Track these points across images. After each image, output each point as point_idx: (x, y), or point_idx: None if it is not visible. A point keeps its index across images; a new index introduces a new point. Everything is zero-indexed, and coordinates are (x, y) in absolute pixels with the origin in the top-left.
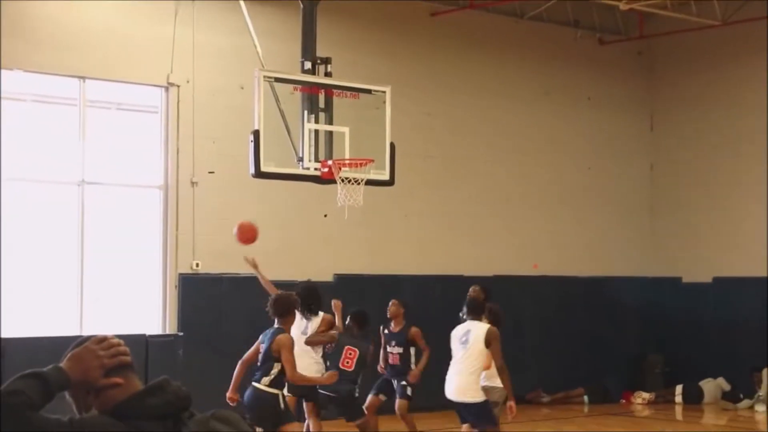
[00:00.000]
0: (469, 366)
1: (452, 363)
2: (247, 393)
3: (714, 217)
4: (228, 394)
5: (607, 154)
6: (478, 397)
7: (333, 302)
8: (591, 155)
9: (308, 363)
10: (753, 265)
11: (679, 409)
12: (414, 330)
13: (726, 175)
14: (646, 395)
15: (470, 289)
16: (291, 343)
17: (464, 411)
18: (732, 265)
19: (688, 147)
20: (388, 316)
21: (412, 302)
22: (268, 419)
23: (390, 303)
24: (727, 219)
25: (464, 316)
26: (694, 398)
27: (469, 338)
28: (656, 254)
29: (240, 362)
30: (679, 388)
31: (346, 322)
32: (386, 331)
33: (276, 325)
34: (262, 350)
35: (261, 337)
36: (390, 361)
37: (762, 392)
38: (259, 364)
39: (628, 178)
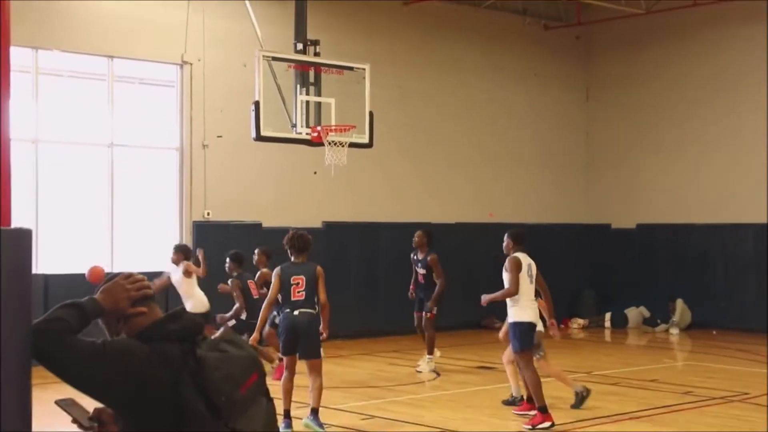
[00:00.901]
0: None
1: (531, 291)
2: (301, 319)
3: (637, 174)
4: (255, 336)
5: (550, 122)
6: None
7: (198, 250)
8: (537, 122)
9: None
10: (670, 213)
11: (608, 333)
12: (431, 257)
13: (648, 139)
14: (581, 321)
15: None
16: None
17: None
18: (653, 213)
19: (618, 115)
20: (414, 245)
21: (388, 246)
22: (316, 345)
23: (415, 234)
24: (648, 176)
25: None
26: (620, 323)
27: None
28: (590, 205)
29: (266, 305)
30: (608, 315)
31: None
32: (414, 257)
33: (294, 260)
34: (299, 282)
35: (281, 274)
36: (419, 280)
37: (675, 318)
38: (301, 292)
39: (567, 142)
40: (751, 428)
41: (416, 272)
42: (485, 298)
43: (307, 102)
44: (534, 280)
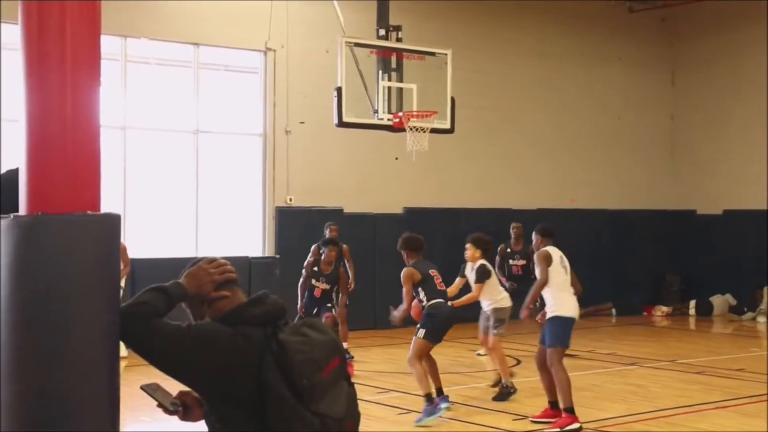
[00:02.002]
0: None
1: (567, 283)
2: (446, 310)
3: (724, 159)
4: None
5: (635, 106)
6: None
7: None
8: (620, 107)
9: None
10: (758, 199)
11: (692, 321)
12: (530, 248)
13: (736, 123)
14: (664, 309)
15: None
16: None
17: None
18: (740, 199)
19: (704, 99)
20: (513, 237)
21: (470, 231)
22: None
23: (512, 225)
24: (735, 161)
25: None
26: (705, 311)
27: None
28: (675, 190)
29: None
30: (692, 303)
31: None
32: (508, 250)
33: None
34: (436, 274)
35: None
36: (514, 271)
37: (763, 306)
38: (441, 283)
39: (652, 127)
40: None
41: (509, 264)
42: (524, 312)
43: (389, 88)
44: (569, 272)
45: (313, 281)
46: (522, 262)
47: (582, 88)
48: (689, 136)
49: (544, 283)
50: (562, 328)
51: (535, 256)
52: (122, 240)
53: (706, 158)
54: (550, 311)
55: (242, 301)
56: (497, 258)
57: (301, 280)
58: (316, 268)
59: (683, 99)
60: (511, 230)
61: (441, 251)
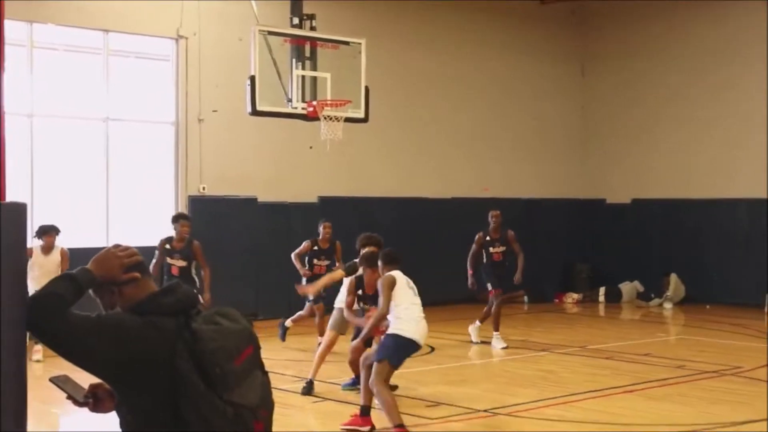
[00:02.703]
0: None
1: (414, 307)
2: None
3: (633, 148)
4: None
5: (546, 97)
6: None
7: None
8: (532, 97)
9: None
10: (665, 189)
11: (601, 307)
12: (510, 233)
13: (644, 113)
14: (575, 296)
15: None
16: None
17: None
18: (647, 188)
19: (614, 90)
20: (492, 225)
21: (382, 221)
22: None
23: (492, 213)
24: (642, 151)
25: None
26: (614, 298)
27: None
28: (585, 180)
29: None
30: (602, 290)
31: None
32: (488, 238)
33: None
34: None
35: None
36: (494, 258)
37: (669, 292)
38: None
39: (563, 117)
40: (745, 401)
41: (488, 251)
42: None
43: (303, 76)
44: (417, 295)
45: (168, 259)
46: (502, 248)
47: (495, 79)
48: (599, 126)
49: (386, 313)
50: (396, 346)
51: (378, 283)
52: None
53: (616, 148)
54: (391, 328)
55: (153, 290)
56: (474, 246)
57: (155, 259)
58: (168, 246)
59: (592, 90)
60: (490, 218)
61: (355, 240)
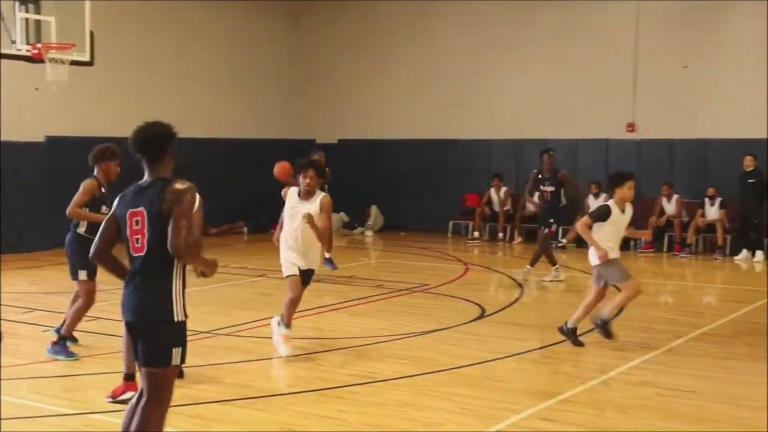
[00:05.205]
0: None
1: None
2: None
3: (339, 94)
4: None
5: (262, 44)
6: None
7: None
8: (246, 45)
9: None
10: (366, 129)
11: None
12: (561, 174)
13: (349, 62)
14: None
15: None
16: None
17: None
18: (352, 130)
19: (324, 38)
20: (545, 164)
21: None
22: None
23: (547, 152)
24: (349, 95)
25: None
26: None
27: None
28: (298, 122)
29: None
30: None
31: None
32: (540, 176)
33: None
34: None
35: None
36: (545, 197)
37: (370, 222)
38: None
39: (277, 63)
40: (431, 313)
41: (541, 190)
42: None
43: (27, 19)
44: None
45: None
46: (551, 188)
47: (213, 27)
48: (309, 73)
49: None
50: None
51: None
52: None
53: (324, 93)
54: None
55: None
56: (528, 184)
57: None
58: None
59: (305, 38)
60: (543, 157)
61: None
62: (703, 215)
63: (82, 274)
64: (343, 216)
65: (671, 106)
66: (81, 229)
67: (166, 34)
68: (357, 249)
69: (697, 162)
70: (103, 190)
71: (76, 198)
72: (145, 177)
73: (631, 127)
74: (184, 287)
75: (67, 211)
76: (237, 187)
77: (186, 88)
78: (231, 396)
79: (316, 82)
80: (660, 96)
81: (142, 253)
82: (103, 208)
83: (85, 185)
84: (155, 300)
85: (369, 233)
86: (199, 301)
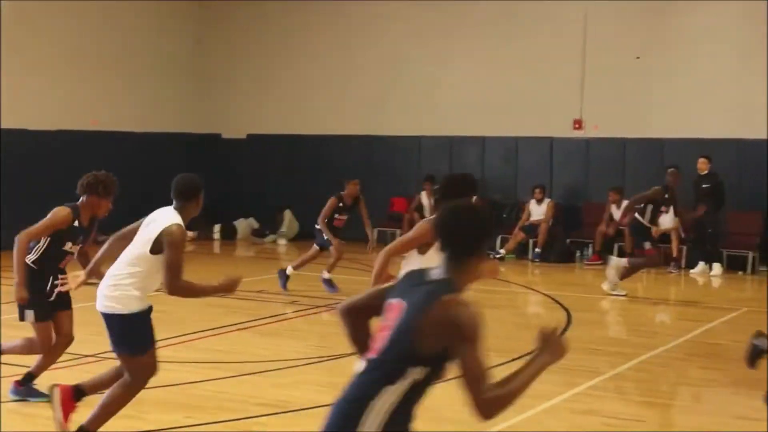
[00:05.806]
0: None
1: None
2: None
3: (250, 85)
4: None
5: (162, 29)
6: None
7: None
8: (147, 31)
9: None
10: (281, 124)
11: (217, 244)
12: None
13: (261, 51)
14: (190, 233)
15: None
16: None
17: None
18: (263, 124)
19: (230, 26)
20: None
21: None
22: None
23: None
24: (261, 86)
25: None
26: (229, 235)
27: None
28: (202, 115)
29: None
30: (217, 227)
31: None
32: (666, 196)
33: None
34: None
35: None
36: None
37: (284, 228)
38: None
39: (178, 50)
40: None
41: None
42: None
43: None
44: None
45: None
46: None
47: (107, 7)
48: (215, 62)
49: None
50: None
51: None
52: None
53: (233, 84)
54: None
55: None
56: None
57: None
58: None
59: (210, 24)
60: (668, 176)
61: None
62: (656, 224)
63: (29, 315)
64: (252, 222)
65: (623, 101)
66: (30, 257)
67: (61, 20)
68: (268, 259)
69: (650, 163)
70: (76, 223)
71: (39, 225)
72: None
73: (578, 124)
74: None
75: (18, 235)
76: (133, 187)
77: (65, 72)
78: (122, 428)
79: (222, 71)
80: (610, 90)
81: None
82: (68, 245)
83: (56, 216)
84: None
85: (282, 241)
86: (83, 321)
